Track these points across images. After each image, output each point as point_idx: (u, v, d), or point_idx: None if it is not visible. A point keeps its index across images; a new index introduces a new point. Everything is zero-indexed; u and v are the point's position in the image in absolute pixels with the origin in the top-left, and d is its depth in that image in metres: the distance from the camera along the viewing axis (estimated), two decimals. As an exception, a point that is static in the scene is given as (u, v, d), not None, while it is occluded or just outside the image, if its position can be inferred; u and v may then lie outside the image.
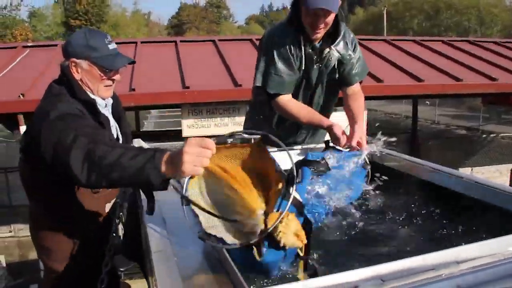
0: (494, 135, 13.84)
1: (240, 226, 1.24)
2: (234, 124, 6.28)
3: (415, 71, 7.18)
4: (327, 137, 2.36)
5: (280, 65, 2.30)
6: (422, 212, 1.77)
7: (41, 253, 2.06)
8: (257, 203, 1.25)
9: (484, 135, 14.64)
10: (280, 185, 1.23)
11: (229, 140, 1.43)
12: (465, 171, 8.89)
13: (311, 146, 2.44)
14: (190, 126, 6.28)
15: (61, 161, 1.52)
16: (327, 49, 2.35)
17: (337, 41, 2.35)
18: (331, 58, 2.38)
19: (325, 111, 2.62)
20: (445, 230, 1.62)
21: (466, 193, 1.74)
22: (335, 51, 2.37)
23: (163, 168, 1.25)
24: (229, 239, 1.19)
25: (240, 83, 6.04)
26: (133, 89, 5.79)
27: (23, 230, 8.55)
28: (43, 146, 1.64)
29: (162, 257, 1.22)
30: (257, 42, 8.04)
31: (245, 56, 7.34)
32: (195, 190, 1.32)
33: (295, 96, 2.46)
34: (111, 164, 1.36)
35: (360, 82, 2.58)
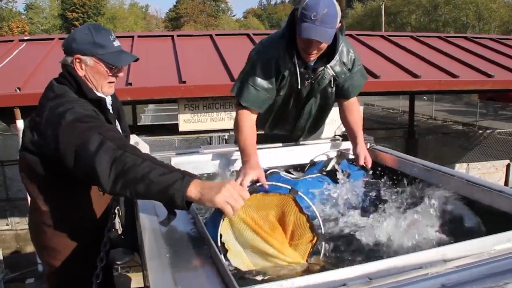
0: (491, 131, 13.88)
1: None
2: (230, 119, 6.28)
3: (412, 67, 7.18)
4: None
5: (260, 80, 2.22)
6: (412, 208, 1.80)
7: (43, 253, 2.03)
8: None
9: (480, 131, 14.68)
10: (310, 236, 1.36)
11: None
12: (461, 166, 8.99)
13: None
14: (186, 121, 6.29)
15: (86, 166, 1.51)
16: (321, 67, 2.27)
17: (333, 60, 2.25)
18: (325, 76, 2.30)
19: (318, 121, 2.60)
20: (434, 228, 1.64)
21: (458, 191, 1.76)
22: (330, 70, 2.29)
23: (189, 191, 1.34)
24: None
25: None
26: (130, 84, 5.78)
27: (20, 223, 8.57)
28: (62, 150, 1.61)
29: (155, 254, 1.23)
30: (254, 37, 8.08)
31: (242, 51, 7.30)
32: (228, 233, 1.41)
33: (285, 106, 2.41)
34: (139, 177, 1.39)
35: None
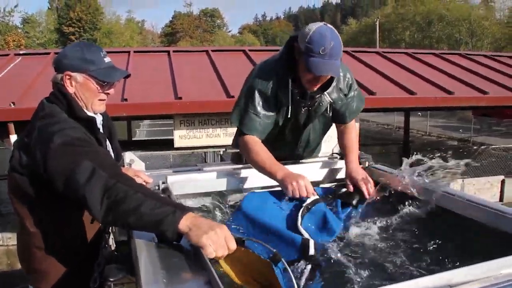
0: (485, 146, 13.94)
1: None
2: (226, 135, 6.26)
3: (407, 84, 7.23)
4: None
5: (260, 107, 2.20)
6: (413, 230, 1.77)
7: (33, 277, 1.94)
8: None
9: (475, 147, 14.74)
10: None
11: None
12: (456, 182, 8.98)
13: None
14: (182, 137, 6.26)
15: (77, 194, 1.49)
16: (318, 95, 2.24)
17: (330, 87, 2.23)
18: (322, 103, 2.28)
19: (313, 146, 2.60)
20: (439, 251, 1.61)
21: (459, 212, 1.73)
22: (327, 97, 2.26)
23: (180, 225, 1.32)
24: None
25: (232, 94, 6.03)
26: (126, 99, 5.76)
27: (11, 239, 8.45)
28: (51, 174, 1.58)
29: (150, 278, 1.19)
30: (250, 53, 8.12)
31: (238, 67, 7.35)
32: None
33: (282, 134, 2.39)
34: (130, 209, 1.38)
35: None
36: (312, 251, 1.54)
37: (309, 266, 1.46)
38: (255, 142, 2.20)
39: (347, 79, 2.33)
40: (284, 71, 2.18)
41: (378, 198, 2.09)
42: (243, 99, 2.27)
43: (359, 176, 2.17)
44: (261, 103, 2.20)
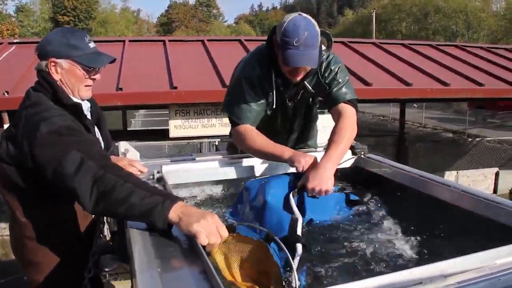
0: (480, 138, 14.00)
1: None
2: (221, 125, 6.25)
3: (403, 75, 7.22)
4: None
5: (249, 97, 2.20)
6: (408, 221, 1.77)
7: (26, 269, 1.93)
8: None
9: (470, 139, 14.80)
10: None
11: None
12: (451, 174, 9.03)
13: None
14: (177, 127, 6.24)
15: (65, 184, 1.48)
16: (297, 85, 2.23)
17: (309, 76, 2.21)
18: (306, 94, 2.28)
19: (304, 140, 2.60)
20: (433, 241, 1.61)
21: (453, 203, 1.73)
22: (308, 87, 2.24)
23: (170, 215, 1.32)
24: None
25: (228, 84, 6.01)
26: (120, 89, 5.73)
27: (6, 229, 8.42)
28: (40, 164, 1.57)
29: (145, 267, 1.19)
30: (246, 43, 8.07)
31: (233, 57, 7.28)
32: None
33: (272, 127, 2.37)
34: (119, 200, 1.37)
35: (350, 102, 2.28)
36: (299, 231, 1.52)
37: (299, 245, 1.44)
38: (249, 129, 2.20)
39: (332, 67, 2.26)
40: (267, 63, 2.19)
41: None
42: (231, 90, 2.30)
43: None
44: (249, 91, 2.20)
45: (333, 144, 2.02)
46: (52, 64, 1.78)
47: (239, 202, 1.96)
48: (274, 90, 2.22)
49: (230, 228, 1.34)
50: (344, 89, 2.26)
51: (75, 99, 1.84)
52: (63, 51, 1.77)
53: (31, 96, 1.78)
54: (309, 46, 1.95)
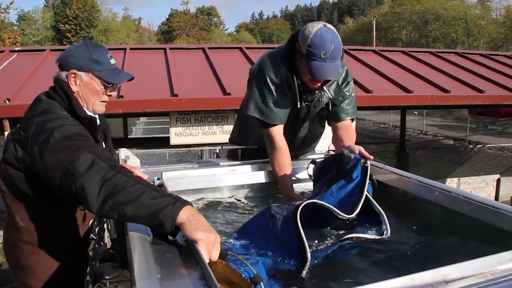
0: (481, 145, 13.99)
1: None
2: (222, 132, 6.25)
3: (404, 82, 7.23)
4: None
5: (276, 95, 2.20)
6: (407, 225, 1.76)
7: (18, 273, 1.92)
8: None
9: (471, 146, 14.79)
10: None
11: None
12: (452, 181, 9.01)
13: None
14: (178, 134, 6.24)
15: (74, 184, 1.46)
16: (318, 90, 2.24)
17: (330, 82, 2.24)
18: (321, 99, 2.28)
19: (309, 144, 2.61)
20: (434, 246, 1.61)
21: (454, 208, 1.73)
22: (327, 92, 2.26)
23: (179, 217, 1.31)
24: None
25: (229, 92, 6.02)
26: (121, 96, 5.75)
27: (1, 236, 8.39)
28: (49, 168, 1.56)
29: (145, 273, 1.18)
30: (247, 51, 8.10)
31: (234, 64, 7.34)
32: None
33: (285, 125, 2.35)
34: (129, 199, 1.36)
35: (352, 120, 2.42)
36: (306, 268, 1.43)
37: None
38: (278, 134, 2.25)
39: (345, 73, 2.32)
40: (287, 65, 2.19)
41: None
42: (256, 89, 2.26)
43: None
44: (276, 90, 2.20)
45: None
46: (72, 75, 1.80)
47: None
48: (297, 90, 2.21)
49: (222, 254, 1.31)
50: (353, 106, 2.36)
51: (88, 112, 1.86)
52: (85, 64, 1.80)
53: (43, 103, 1.79)
54: (334, 58, 1.99)
